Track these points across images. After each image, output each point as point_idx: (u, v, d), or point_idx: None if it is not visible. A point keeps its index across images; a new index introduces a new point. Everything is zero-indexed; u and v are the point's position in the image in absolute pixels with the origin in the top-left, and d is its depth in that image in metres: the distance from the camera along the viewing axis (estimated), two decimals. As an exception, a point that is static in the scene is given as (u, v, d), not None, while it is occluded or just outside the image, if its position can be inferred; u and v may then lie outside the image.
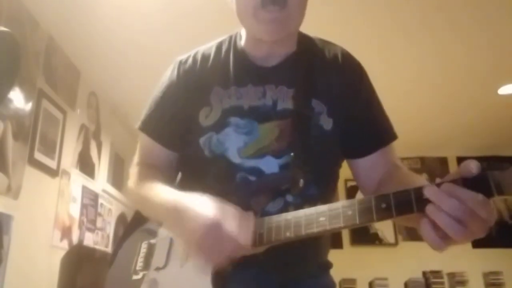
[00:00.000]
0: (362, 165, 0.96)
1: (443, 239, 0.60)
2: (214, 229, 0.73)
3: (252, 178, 0.88)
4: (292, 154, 0.87)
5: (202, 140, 0.92)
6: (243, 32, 0.99)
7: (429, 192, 0.61)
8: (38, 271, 2.29)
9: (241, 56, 0.98)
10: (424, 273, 4.19)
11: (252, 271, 0.83)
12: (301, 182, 0.84)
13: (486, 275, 4.26)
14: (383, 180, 0.91)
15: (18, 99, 2.14)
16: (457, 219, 0.58)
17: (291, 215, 0.74)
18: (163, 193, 0.89)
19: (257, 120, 0.90)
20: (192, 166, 0.98)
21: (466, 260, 4.31)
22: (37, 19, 2.34)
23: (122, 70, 3.00)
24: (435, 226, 0.60)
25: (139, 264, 0.95)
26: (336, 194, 1.03)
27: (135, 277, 0.94)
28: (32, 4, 2.25)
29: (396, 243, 4.46)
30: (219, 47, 1.02)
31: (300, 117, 0.90)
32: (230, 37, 1.03)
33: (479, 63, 2.94)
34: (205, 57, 1.00)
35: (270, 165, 0.87)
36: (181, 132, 0.97)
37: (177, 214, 0.80)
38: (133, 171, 1.04)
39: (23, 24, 2.22)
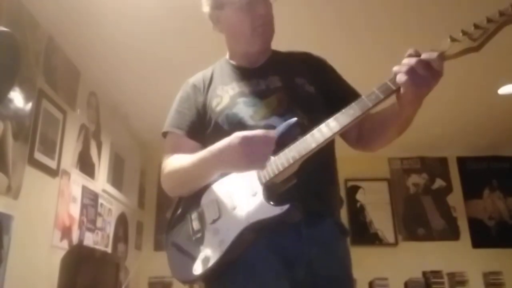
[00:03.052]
0: None
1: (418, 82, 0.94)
2: (246, 140, 0.99)
3: None
4: (289, 106, 1.15)
5: (220, 119, 1.18)
6: (227, 56, 1.35)
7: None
8: (38, 271, 2.29)
9: (234, 65, 1.31)
10: (424, 273, 4.18)
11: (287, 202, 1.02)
12: (304, 122, 1.09)
13: (486, 275, 4.26)
14: (365, 126, 1.19)
15: (18, 99, 2.14)
16: (416, 72, 0.93)
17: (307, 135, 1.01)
18: (192, 155, 1.11)
19: (259, 98, 1.19)
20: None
21: (466, 260, 4.32)
22: (37, 19, 2.34)
23: (122, 70, 3.00)
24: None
25: (195, 227, 1.10)
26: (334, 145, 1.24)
27: (195, 237, 1.09)
28: (32, 4, 2.25)
29: (396, 243, 4.46)
30: (214, 67, 1.34)
31: (289, 89, 1.21)
32: (220, 60, 1.36)
33: (479, 63, 2.94)
34: (206, 74, 1.32)
35: (277, 122, 1.10)
36: (202, 123, 1.22)
37: (215, 154, 1.04)
38: (164, 164, 1.23)
39: (23, 24, 2.22)
